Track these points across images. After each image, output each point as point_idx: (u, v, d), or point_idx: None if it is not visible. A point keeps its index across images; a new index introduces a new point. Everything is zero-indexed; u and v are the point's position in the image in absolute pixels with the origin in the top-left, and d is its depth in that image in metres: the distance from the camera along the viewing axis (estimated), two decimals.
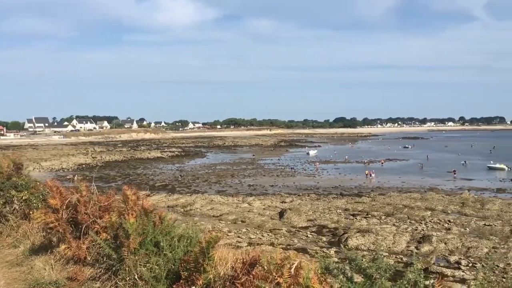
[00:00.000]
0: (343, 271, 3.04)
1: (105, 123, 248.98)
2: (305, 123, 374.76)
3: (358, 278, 3.17)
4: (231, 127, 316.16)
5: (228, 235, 30.02)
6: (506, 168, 72.82)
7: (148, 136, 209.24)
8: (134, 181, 62.55)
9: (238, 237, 29.87)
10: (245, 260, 3.35)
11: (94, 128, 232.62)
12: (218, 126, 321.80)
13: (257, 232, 31.57)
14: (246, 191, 54.46)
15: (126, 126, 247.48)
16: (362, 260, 3.31)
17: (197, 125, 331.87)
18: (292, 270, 2.91)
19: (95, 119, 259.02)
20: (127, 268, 4.29)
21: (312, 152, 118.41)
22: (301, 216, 35.93)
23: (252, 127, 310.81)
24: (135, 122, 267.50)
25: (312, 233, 31.45)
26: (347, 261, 3.21)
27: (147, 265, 4.18)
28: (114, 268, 4.64)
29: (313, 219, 35.65)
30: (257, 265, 3.26)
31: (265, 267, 3.12)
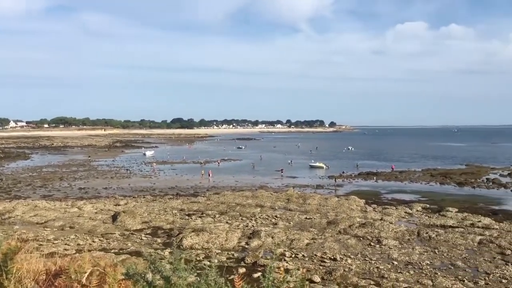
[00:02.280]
0: (143, 275, 3.05)
1: None
2: (142, 123, 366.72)
3: (160, 281, 3.20)
4: (61, 126, 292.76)
5: (54, 243, 27.71)
6: (324, 166, 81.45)
7: None
8: None
9: (66, 244, 27.75)
10: (49, 271, 3.13)
11: None
12: (46, 125, 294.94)
13: (88, 238, 29.78)
14: (76, 194, 51.04)
15: None
16: (162, 262, 3.36)
17: (20, 123, 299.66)
18: (85, 276, 2.82)
19: None
20: None
21: (149, 153, 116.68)
22: (136, 218, 34.99)
23: (84, 127, 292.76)
24: None
25: (147, 235, 30.88)
26: (149, 265, 3.23)
27: None
28: None
29: (148, 221, 35.02)
30: (63, 275, 3.07)
31: (72, 276, 2.96)
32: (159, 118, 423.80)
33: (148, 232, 31.88)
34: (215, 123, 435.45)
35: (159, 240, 29.57)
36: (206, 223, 33.60)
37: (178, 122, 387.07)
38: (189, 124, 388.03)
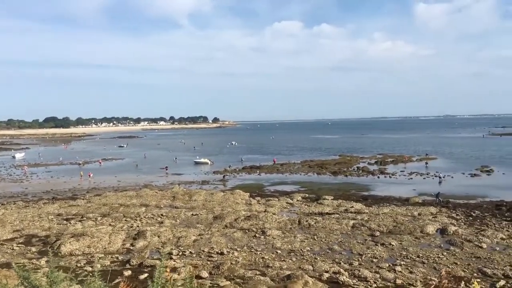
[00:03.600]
0: None
1: None
2: (10, 123, 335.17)
3: None
4: None
5: None
6: (209, 162, 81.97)
7: None
8: None
9: None
10: None
11: None
12: None
13: None
14: None
15: None
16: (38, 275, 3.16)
17: None
18: None
19: None
20: None
21: (19, 155, 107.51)
22: (6, 227, 31.96)
23: None
24: None
25: (20, 245, 28.34)
26: (21, 281, 3.00)
27: None
28: None
29: (20, 229, 32.18)
30: None
31: None
32: (29, 117, 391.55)
33: (20, 241, 29.29)
34: (93, 121, 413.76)
35: (33, 249, 27.34)
36: (87, 227, 31.85)
37: (52, 121, 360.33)
38: (65, 123, 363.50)
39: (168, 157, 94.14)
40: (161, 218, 35.24)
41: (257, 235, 29.54)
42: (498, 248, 25.35)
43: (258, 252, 25.57)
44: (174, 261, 23.82)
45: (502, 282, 19.70)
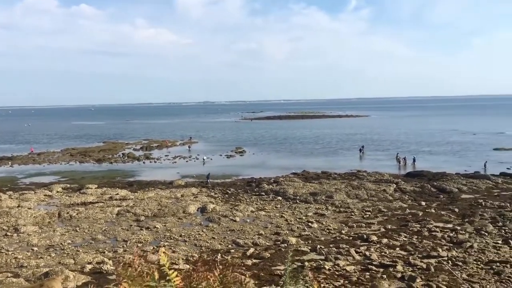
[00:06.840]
0: None
1: None
2: None
3: None
4: None
5: None
6: None
7: None
8: None
9: None
10: None
11: None
12: None
13: None
14: None
15: None
16: None
17: None
18: None
19: None
20: None
21: None
22: None
23: None
24: None
25: None
26: None
27: None
28: None
29: None
30: None
31: None
32: None
33: None
34: None
35: None
36: None
37: None
38: None
39: None
40: None
41: (8, 233, 26.47)
42: (248, 220, 28.75)
43: (10, 252, 22.99)
44: None
45: (251, 250, 22.48)
